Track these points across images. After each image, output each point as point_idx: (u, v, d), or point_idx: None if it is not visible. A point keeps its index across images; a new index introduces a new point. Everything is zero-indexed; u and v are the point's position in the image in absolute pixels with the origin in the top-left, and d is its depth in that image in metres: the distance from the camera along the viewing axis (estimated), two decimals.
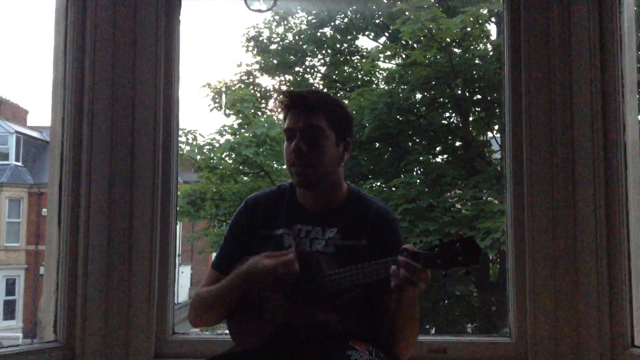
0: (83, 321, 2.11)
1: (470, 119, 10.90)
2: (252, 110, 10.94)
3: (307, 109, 1.66)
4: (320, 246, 1.66)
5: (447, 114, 11.02)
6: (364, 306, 1.63)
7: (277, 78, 12.53)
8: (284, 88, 12.59)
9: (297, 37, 12.19)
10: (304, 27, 12.27)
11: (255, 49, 12.25)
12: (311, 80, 12.24)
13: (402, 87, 10.35)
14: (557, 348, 2.04)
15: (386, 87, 10.62)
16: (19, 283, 17.19)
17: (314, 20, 12.09)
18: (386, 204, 1.79)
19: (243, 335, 1.66)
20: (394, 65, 10.94)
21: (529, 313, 2.07)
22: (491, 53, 10.05)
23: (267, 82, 14.74)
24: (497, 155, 10.33)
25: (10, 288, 17.03)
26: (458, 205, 9.84)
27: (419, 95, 10.54)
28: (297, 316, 1.57)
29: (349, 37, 12.03)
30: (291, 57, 12.11)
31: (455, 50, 10.09)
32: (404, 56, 10.50)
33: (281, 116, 1.75)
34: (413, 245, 1.52)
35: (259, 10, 2.42)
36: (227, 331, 1.75)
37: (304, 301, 1.56)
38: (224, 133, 10.63)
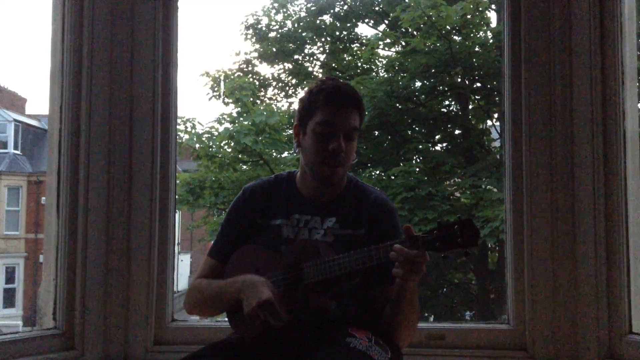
0: (82, 308, 2.11)
1: (470, 107, 10.89)
2: (251, 99, 10.91)
3: (351, 108, 1.64)
4: (319, 236, 1.65)
5: (447, 102, 11.02)
6: (363, 294, 1.64)
7: (276, 66, 12.51)
8: (283, 76, 12.56)
9: (296, 25, 12.14)
10: (303, 14, 12.22)
11: (254, 37, 12.21)
12: (310, 69, 12.21)
13: (402, 75, 10.33)
14: (555, 335, 2.05)
15: (385, 75, 10.60)
16: (18, 271, 17.24)
17: (313, 8, 12.04)
18: (384, 194, 1.79)
19: (242, 323, 1.67)
20: (394, 53, 10.91)
21: (527, 300, 2.08)
22: (491, 41, 10.01)
23: (265, 70, 14.71)
24: (497, 144, 10.32)
25: (10, 276, 17.09)
26: (457, 194, 9.86)
27: (418, 84, 10.51)
28: (298, 304, 1.57)
29: (348, 25, 11.98)
30: (290, 44, 12.07)
31: (455, 37, 10.06)
32: (403, 44, 10.46)
33: (293, 101, 1.73)
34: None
35: None
36: (226, 319, 1.75)
37: (304, 288, 1.56)
38: (223, 121, 10.61)
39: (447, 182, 10.04)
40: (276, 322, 1.51)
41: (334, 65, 11.67)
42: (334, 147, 1.60)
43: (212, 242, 1.83)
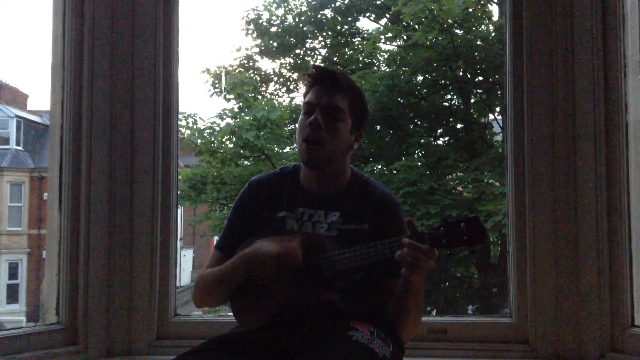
0: (85, 303, 2.12)
1: (472, 101, 10.85)
2: (252, 94, 10.89)
3: (334, 88, 1.65)
4: (322, 230, 1.66)
5: (449, 96, 10.98)
6: (367, 287, 1.64)
7: (277, 61, 12.49)
8: (284, 71, 12.55)
9: (297, 19, 12.11)
10: (304, 8, 12.19)
11: (255, 32, 12.18)
12: (312, 63, 12.18)
13: (404, 69, 10.29)
14: (557, 328, 2.05)
15: (387, 69, 10.55)
16: (21, 267, 17.29)
17: (314, 2, 12.00)
18: (389, 189, 1.78)
19: (246, 315, 1.67)
20: (395, 47, 10.87)
21: (529, 294, 2.08)
22: (493, 34, 9.97)
23: (267, 65, 14.67)
24: (499, 138, 10.30)
25: (13, 272, 17.14)
26: (459, 188, 9.85)
27: (420, 78, 10.48)
28: (301, 296, 1.58)
29: (349, 19, 11.94)
30: (291, 39, 12.04)
31: (457, 31, 10.01)
32: (405, 38, 10.42)
33: (302, 91, 1.74)
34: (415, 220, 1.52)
35: None
36: (229, 313, 1.75)
37: (308, 281, 1.57)
38: (225, 117, 10.60)
39: (449, 177, 10.02)
40: (298, 262, 1.54)
41: (335, 59, 11.63)
42: (310, 120, 1.62)
43: (216, 236, 1.84)
